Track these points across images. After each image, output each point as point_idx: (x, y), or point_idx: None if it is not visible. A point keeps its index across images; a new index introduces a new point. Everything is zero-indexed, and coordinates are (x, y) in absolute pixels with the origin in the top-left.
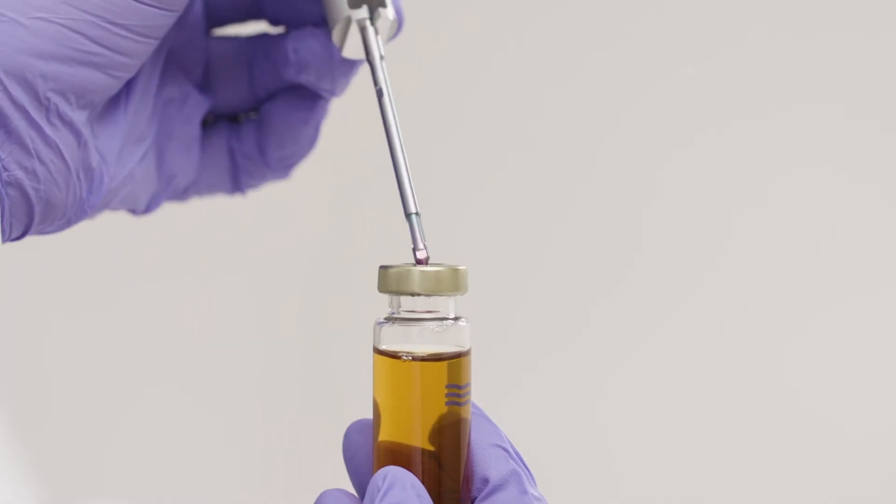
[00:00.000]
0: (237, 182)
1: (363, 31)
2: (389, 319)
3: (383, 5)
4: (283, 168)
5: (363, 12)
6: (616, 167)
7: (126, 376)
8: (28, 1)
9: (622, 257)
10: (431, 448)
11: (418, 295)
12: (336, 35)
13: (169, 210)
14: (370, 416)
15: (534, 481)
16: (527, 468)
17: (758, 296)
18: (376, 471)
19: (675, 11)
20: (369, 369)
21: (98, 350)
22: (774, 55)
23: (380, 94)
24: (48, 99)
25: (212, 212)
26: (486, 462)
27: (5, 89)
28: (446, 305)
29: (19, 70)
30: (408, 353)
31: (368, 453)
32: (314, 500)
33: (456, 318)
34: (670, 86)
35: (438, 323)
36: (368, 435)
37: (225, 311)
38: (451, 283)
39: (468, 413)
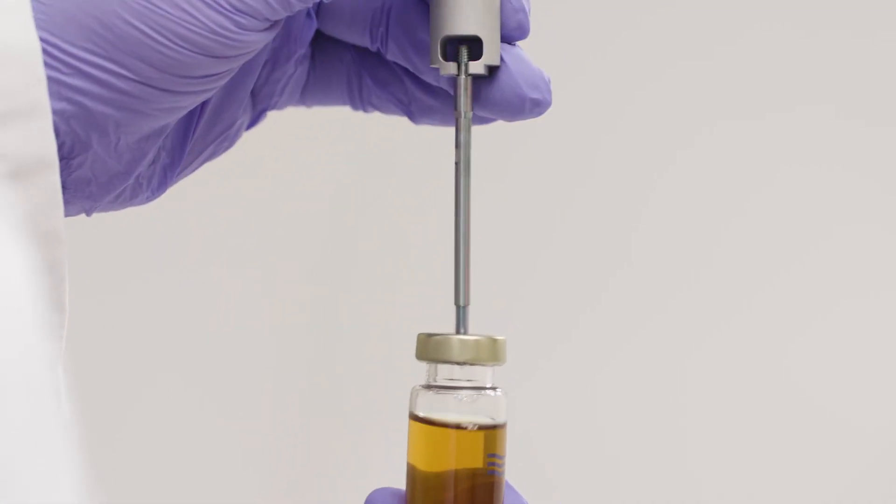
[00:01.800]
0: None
1: (454, 85)
2: (427, 387)
3: (477, 56)
4: None
5: (452, 68)
6: (616, 164)
7: (125, 373)
8: None
9: (621, 253)
10: None
11: (456, 363)
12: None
13: (170, 208)
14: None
15: None
16: None
17: (758, 292)
18: None
19: (672, 11)
20: (370, 368)
21: (98, 350)
22: (772, 54)
23: (457, 165)
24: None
25: (213, 206)
26: None
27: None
28: (483, 375)
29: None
30: (473, 423)
31: None
32: (365, 499)
33: (493, 388)
34: (669, 84)
35: (476, 392)
36: None
37: (230, 307)
38: (490, 353)
39: (502, 482)
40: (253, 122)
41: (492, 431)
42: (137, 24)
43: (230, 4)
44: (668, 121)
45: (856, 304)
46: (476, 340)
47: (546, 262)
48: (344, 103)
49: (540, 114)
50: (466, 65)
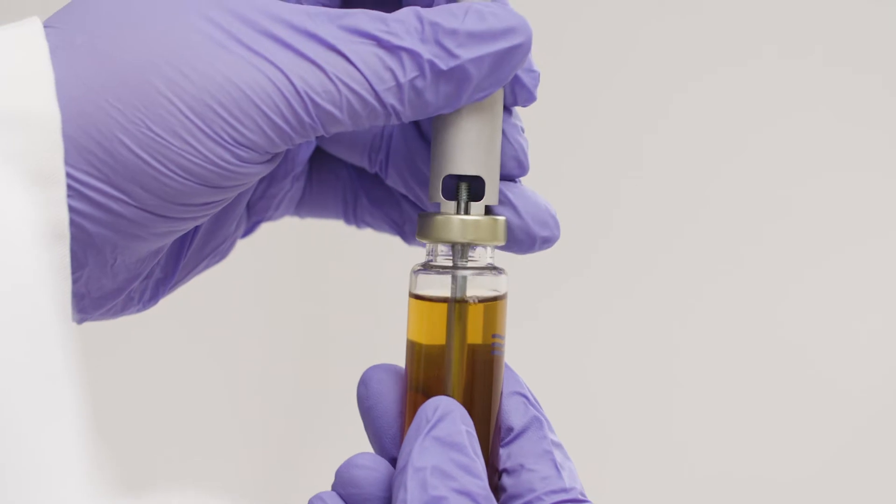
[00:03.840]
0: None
1: (452, 252)
2: (426, 267)
3: (479, 196)
4: None
5: (452, 207)
6: (609, 116)
7: (126, 370)
8: None
9: (613, 210)
10: (473, 395)
11: (457, 243)
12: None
13: None
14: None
15: (552, 428)
16: (544, 415)
17: (750, 243)
18: (410, 416)
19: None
20: (362, 359)
21: (97, 347)
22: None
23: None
24: None
25: None
26: (508, 410)
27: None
28: (484, 255)
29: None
30: (475, 296)
31: (390, 403)
32: (341, 465)
33: (494, 268)
34: (675, 25)
35: (476, 272)
36: (389, 384)
37: (224, 300)
38: (490, 232)
39: (502, 362)
40: (246, 233)
41: (493, 304)
42: (139, 152)
43: (231, 137)
44: (670, 65)
45: (850, 254)
46: (476, 220)
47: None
48: (338, 218)
49: (548, 248)
50: (468, 204)
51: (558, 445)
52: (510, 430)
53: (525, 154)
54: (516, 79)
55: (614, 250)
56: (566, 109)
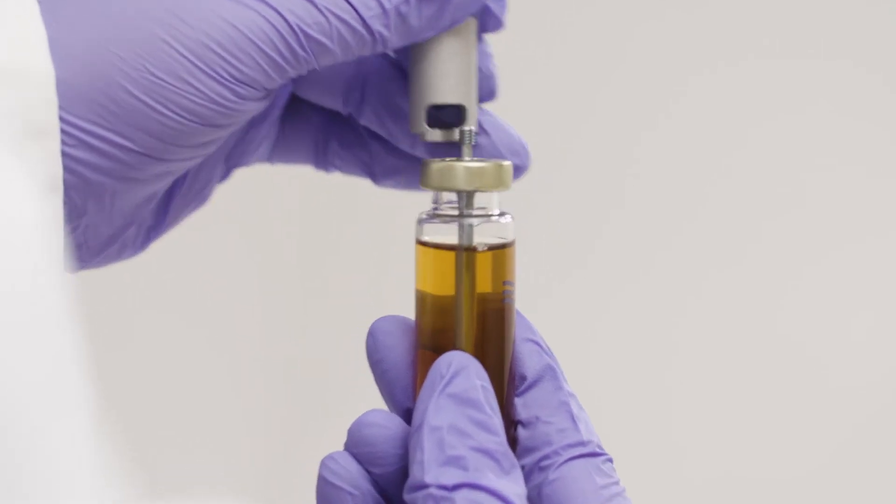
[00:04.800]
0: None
1: (458, 199)
2: (432, 215)
3: (460, 123)
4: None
5: (436, 135)
6: (611, 110)
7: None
8: None
9: (612, 208)
10: (485, 346)
11: (461, 191)
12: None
13: None
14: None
15: (564, 377)
16: (557, 363)
17: (751, 239)
18: (422, 370)
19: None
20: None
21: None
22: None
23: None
24: None
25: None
26: (521, 358)
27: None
28: (490, 201)
29: None
30: (483, 243)
31: (400, 355)
32: (354, 422)
33: (501, 214)
34: (674, 20)
35: (482, 219)
36: (398, 336)
37: (219, 293)
38: (495, 178)
39: (513, 310)
40: (222, 179)
41: (501, 251)
42: (141, 96)
43: (230, 75)
44: (672, 60)
45: (850, 251)
46: (481, 167)
47: (541, 211)
48: (308, 163)
49: (518, 177)
50: (469, 132)
51: (572, 396)
52: (523, 378)
53: (496, 81)
54: (485, 7)
55: (612, 247)
56: (565, 106)
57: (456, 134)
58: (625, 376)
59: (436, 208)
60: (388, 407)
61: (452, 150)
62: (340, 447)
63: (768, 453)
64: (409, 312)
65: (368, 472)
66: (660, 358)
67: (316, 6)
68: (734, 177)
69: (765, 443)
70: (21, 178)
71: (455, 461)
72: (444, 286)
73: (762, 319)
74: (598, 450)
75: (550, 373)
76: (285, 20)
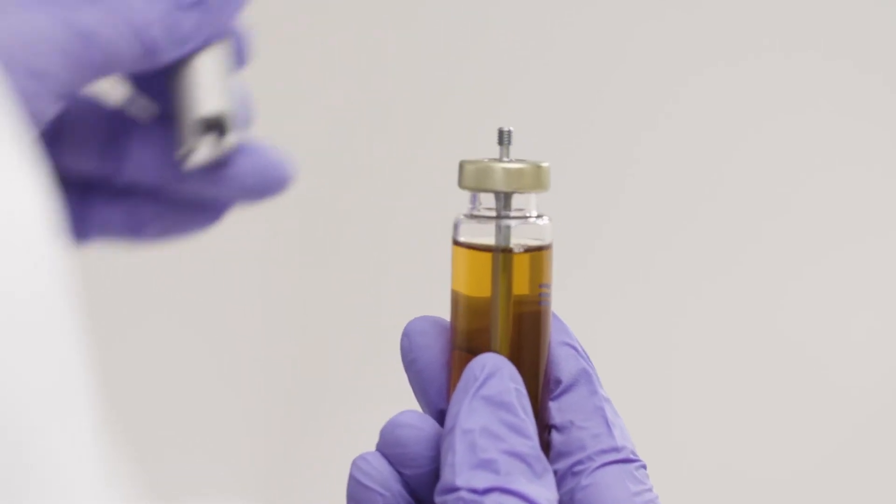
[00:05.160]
0: None
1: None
2: (469, 216)
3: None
4: None
5: (206, 143)
6: (606, 115)
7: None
8: None
9: (611, 208)
10: (520, 349)
11: (499, 192)
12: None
13: None
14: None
15: (600, 381)
16: (593, 367)
17: (750, 240)
18: (457, 372)
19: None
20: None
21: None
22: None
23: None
24: None
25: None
26: (556, 361)
27: None
28: (528, 202)
29: None
30: (520, 244)
31: (434, 355)
32: (387, 422)
33: (539, 216)
34: (674, 20)
35: (520, 220)
36: (432, 336)
37: (218, 290)
38: (534, 179)
39: (549, 313)
40: None
41: (538, 253)
42: None
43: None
44: (662, 65)
45: (850, 251)
46: (520, 168)
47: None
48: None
49: (282, 191)
50: (507, 133)
51: (608, 401)
52: (558, 382)
53: (251, 102)
54: (238, 35)
55: (612, 247)
56: (565, 106)
57: (221, 148)
58: (624, 377)
59: (473, 209)
60: (422, 408)
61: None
62: (341, 447)
63: (768, 453)
64: (409, 312)
65: (400, 473)
66: (659, 358)
67: (97, 17)
68: (734, 177)
69: (765, 443)
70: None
71: (487, 464)
72: (480, 287)
73: (762, 319)
74: (632, 456)
75: (586, 377)
76: (69, 29)
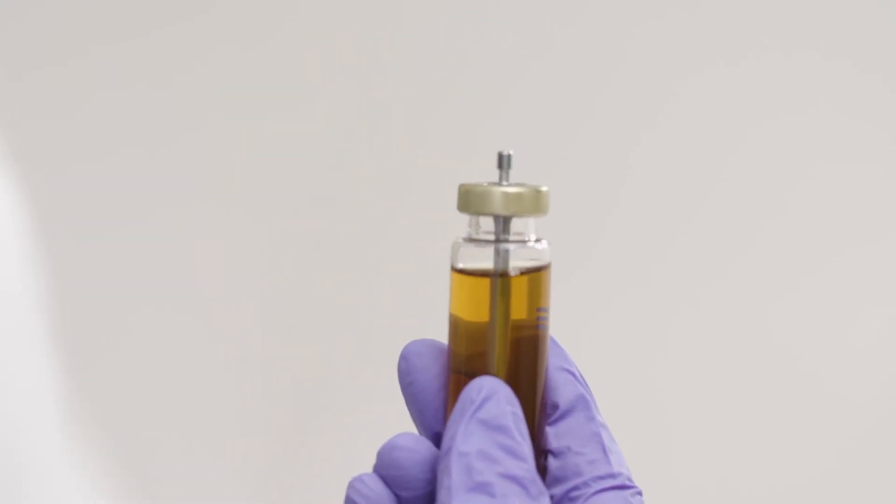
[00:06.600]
0: None
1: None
2: (468, 240)
3: None
4: None
5: None
6: (603, 118)
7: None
8: None
9: (608, 211)
10: (518, 373)
11: (498, 215)
12: None
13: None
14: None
15: (598, 407)
16: (591, 393)
17: (745, 247)
18: (454, 395)
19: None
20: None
21: (92, 340)
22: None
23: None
24: None
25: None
26: (554, 387)
27: None
28: (526, 226)
29: None
30: (516, 267)
31: (431, 378)
32: (385, 443)
33: (537, 240)
34: (674, 20)
35: (518, 244)
36: (430, 359)
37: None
38: (533, 203)
39: (547, 337)
40: None
41: (536, 275)
42: None
43: None
44: (661, 65)
45: (850, 256)
46: (519, 192)
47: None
48: None
49: None
50: (507, 157)
51: (604, 427)
52: (556, 407)
53: None
54: None
55: (610, 248)
56: (564, 106)
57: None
58: (620, 382)
59: (471, 233)
60: (418, 430)
61: None
62: (340, 448)
63: (765, 461)
64: (408, 311)
65: (396, 495)
66: (656, 363)
67: None
68: (734, 178)
69: (761, 450)
70: None
71: (482, 487)
72: (478, 312)
73: (760, 324)
74: (627, 482)
75: (583, 403)
76: None
